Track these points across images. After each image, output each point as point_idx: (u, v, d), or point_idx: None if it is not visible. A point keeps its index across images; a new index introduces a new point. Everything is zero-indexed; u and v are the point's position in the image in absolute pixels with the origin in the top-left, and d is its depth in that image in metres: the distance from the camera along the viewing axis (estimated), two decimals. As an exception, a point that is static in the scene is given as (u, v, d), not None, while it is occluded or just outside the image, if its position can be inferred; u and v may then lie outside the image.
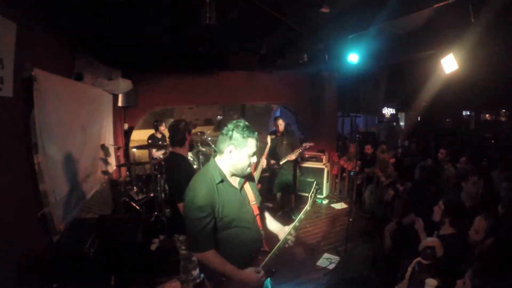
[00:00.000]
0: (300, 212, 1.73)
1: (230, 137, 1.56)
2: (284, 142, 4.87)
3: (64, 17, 2.96)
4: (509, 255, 1.96)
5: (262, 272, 1.61)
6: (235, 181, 1.69)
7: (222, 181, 1.60)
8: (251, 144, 1.58)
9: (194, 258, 2.59)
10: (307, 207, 1.74)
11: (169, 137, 2.62)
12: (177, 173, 2.45)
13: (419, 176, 3.80)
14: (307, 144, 5.15)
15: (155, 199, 4.54)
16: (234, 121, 1.61)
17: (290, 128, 6.86)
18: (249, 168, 1.65)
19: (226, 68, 5.88)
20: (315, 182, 1.88)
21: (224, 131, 1.59)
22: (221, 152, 1.61)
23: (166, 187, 2.64)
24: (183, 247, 2.56)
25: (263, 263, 1.64)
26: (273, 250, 1.66)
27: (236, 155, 1.58)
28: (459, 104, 10.50)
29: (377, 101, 7.52)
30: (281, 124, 4.88)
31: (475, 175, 3.02)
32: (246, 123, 1.62)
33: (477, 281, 1.68)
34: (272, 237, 1.84)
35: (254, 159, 1.63)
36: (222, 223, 1.58)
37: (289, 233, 1.69)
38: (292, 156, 4.66)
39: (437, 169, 4.58)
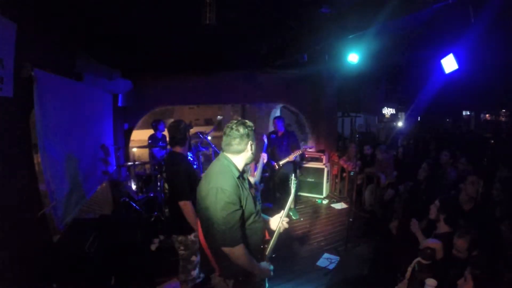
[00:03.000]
0: (286, 206, 1.96)
1: (248, 135, 1.72)
2: (284, 143, 4.88)
3: (64, 17, 2.96)
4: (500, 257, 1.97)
5: (269, 264, 1.82)
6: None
7: (239, 176, 1.73)
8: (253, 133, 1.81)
9: (193, 259, 2.59)
10: (291, 197, 2.04)
11: (169, 137, 2.65)
12: (178, 171, 2.48)
13: (424, 174, 3.77)
14: (306, 147, 5.15)
15: (155, 199, 4.54)
16: (236, 122, 1.75)
17: (291, 128, 6.87)
18: None
19: (226, 68, 5.87)
20: (293, 175, 2.26)
21: (237, 133, 1.70)
22: (240, 152, 1.74)
23: (166, 186, 2.63)
24: (182, 248, 2.57)
25: (267, 251, 1.82)
26: (273, 239, 1.84)
27: (253, 147, 1.79)
28: (459, 104, 10.50)
29: (377, 101, 7.52)
30: (276, 124, 4.89)
31: (473, 175, 3.01)
32: (243, 119, 1.81)
33: (478, 271, 1.68)
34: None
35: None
36: (245, 216, 1.69)
37: (282, 220, 1.88)
38: (291, 157, 4.67)
39: (440, 170, 4.57)
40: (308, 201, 5.90)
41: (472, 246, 2.15)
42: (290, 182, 2.12)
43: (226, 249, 1.61)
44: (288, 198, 2.03)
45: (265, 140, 4.75)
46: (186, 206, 2.40)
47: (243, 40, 4.34)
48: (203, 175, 1.86)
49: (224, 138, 1.75)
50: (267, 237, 1.90)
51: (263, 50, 4.55)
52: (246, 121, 1.78)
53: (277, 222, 1.89)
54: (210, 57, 5.12)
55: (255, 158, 1.91)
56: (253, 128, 1.79)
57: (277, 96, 7.01)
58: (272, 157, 4.81)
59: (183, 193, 2.42)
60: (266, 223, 1.96)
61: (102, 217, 3.48)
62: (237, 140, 1.71)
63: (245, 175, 1.84)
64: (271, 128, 6.22)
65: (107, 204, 4.44)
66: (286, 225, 1.90)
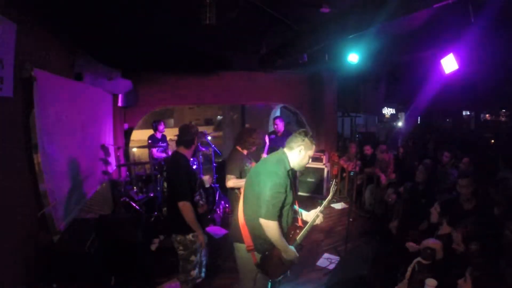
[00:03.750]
0: (324, 202, 2.28)
1: (303, 140, 2.05)
2: (285, 143, 4.87)
3: (64, 17, 2.96)
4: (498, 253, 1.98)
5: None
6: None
7: (289, 169, 2.05)
8: (313, 149, 2.11)
9: (192, 258, 2.59)
10: (330, 195, 2.33)
11: (177, 137, 2.68)
12: (178, 172, 2.49)
13: (422, 177, 3.76)
14: None
15: (155, 199, 4.54)
16: (305, 129, 2.16)
17: (290, 126, 6.87)
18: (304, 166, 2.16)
19: (226, 68, 5.87)
20: (334, 180, 2.54)
21: (298, 134, 2.09)
22: (292, 149, 2.08)
23: (165, 185, 2.65)
24: (181, 248, 2.56)
25: (298, 236, 2.14)
26: (306, 227, 2.18)
27: (303, 153, 2.06)
28: (459, 104, 10.50)
29: (377, 101, 7.52)
30: (277, 124, 4.87)
31: (466, 177, 2.97)
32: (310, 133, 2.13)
33: (477, 273, 1.69)
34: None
35: (310, 160, 2.15)
36: (285, 202, 1.99)
37: (318, 214, 2.21)
38: None
39: (438, 170, 4.56)
40: (308, 201, 5.90)
41: (467, 239, 2.17)
42: (330, 185, 2.47)
43: (263, 221, 1.91)
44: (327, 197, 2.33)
45: (267, 141, 4.74)
46: (185, 206, 2.39)
47: (243, 40, 4.34)
48: (262, 158, 2.21)
49: (290, 136, 2.14)
50: (300, 224, 2.23)
51: (263, 50, 4.54)
52: (309, 133, 2.10)
53: (313, 215, 2.23)
54: (210, 57, 5.12)
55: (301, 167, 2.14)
56: (312, 143, 2.08)
57: (277, 96, 7.01)
58: None
59: (182, 193, 2.42)
60: (300, 215, 2.31)
61: (102, 217, 3.48)
62: (294, 139, 2.09)
63: (296, 171, 2.18)
64: (271, 128, 6.23)
65: (107, 204, 4.44)
66: (322, 219, 2.25)
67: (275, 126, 4.93)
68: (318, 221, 2.23)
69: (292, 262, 2.09)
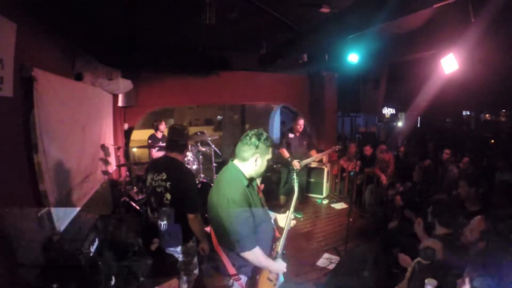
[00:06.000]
0: (292, 203, 2.05)
1: (256, 147, 1.74)
2: (304, 143, 4.86)
3: (65, 17, 2.95)
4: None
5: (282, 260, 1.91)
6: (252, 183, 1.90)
7: (248, 185, 1.78)
8: (271, 151, 1.80)
9: (194, 261, 2.61)
10: (295, 195, 2.08)
11: (168, 140, 2.50)
12: (190, 182, 2.34)
13: (418, 177, 3.77)
14: (336, 147, 5.19)
15: (155, 199, 4.52)
16: (255, 131, 1.79)
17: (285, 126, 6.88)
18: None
19: (226, 68, 5.88)
20: (294, 172, 2.30)
21: (248, 141, 1.75)
22: (245, 159, 1.77)
23: (168, 196, 2.36)
24: (182, 256, 2.54)
25: (278, 248, 1.90)
26: (282, 236, 1.92)
27: (260, 162, 1.77)
28: (459, 104, 10.48)
29: (377, 101, 7.51)
30: (301, 124, 4.86)
31: (463, 180, 2.98)
32: (265, 133, 1.81)
33: (475, 274, 1.69)
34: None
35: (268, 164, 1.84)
36: (256, 221, 1.75)
37: (290, 217, 1.96)
38: (319, 157, 4.73)
39: (436, 170, 4.57)
40: (308, 201, 5.90)
41: (484, 234, 2.17)
42: (292, 181, 2.14)
43: (244, 254, 1.71)
44: (293, 197, 2.08)
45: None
46: (197, 219, 2.30)
47: (243, 40, 4.34)
48: (214, 181, 1.92)
49: (239, 143, 1.80)
50: (277, 234, 1.98)
51: (263, 50, 4.55)
52: (264, 133, 1.79)
53: (285, 220, 1.97)
54: (210, 57, 5.12)
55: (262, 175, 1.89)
56: (269, 144, 1.77)
57: (277, 96, 7.01)
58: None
59: (195, 205, 2.29)
60: (275, 221, 2.06)
61: (102, 217, 3.48)
62: (245, 147, 1.76)
63: (254, 183, 1.89)
64: (271, 128, 6.22)
65: (107, 204, 4.44)
66: (294, 222, 2.02)
67: (298, 125, 4.89)
68: (292, 225, 1.99)
69: (278, 275, 1.93)
